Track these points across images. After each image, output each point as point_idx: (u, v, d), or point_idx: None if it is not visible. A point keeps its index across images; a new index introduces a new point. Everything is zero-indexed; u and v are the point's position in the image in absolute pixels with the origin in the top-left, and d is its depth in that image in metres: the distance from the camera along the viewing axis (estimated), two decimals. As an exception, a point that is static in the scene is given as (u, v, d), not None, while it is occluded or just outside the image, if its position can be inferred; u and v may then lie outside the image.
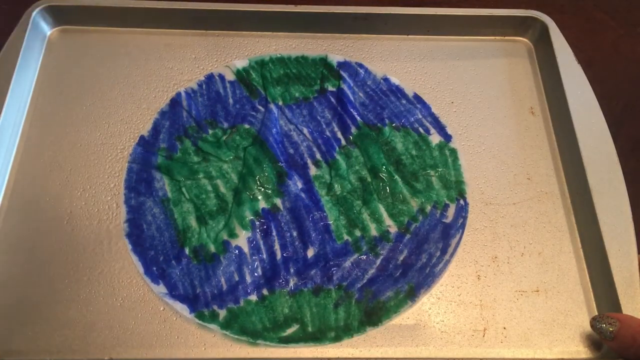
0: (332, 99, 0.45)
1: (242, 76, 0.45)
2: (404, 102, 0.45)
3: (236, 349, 0.34)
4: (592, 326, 0.33)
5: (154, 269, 0.37)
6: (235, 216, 0.39)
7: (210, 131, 0.42)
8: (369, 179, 0.41)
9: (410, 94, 0.45)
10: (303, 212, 0.39)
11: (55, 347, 0.34)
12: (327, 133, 0.43)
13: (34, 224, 0.38)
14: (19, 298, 0.35)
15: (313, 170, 0.41)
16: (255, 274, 0.37)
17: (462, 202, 0.40)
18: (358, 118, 0.44)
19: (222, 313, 0.35)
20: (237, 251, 0.38)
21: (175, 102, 0.44)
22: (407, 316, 0.36)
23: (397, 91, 0.45)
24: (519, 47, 0.49)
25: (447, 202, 0.40)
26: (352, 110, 0.44)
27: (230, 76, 0.45)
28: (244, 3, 0.46)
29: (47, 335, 0.34)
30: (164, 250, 0.37)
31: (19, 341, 0.34)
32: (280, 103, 0.44)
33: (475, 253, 0.38)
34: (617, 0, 0.58)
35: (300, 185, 0.41)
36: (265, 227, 0.39)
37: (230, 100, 0.44)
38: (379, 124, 0.44)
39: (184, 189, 0.40)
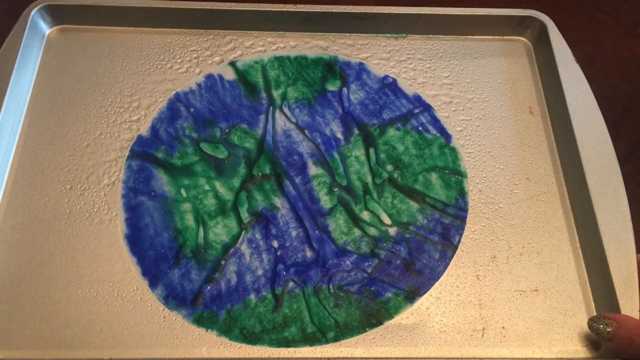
0: (332, 99, 0.45)
1: (241, 76, 0.45)
2: (404, 102, 0.45)
3: (236, 349, 0.34)
4: (589, 327, 0.33)
5: (153, 269, 0.37)
6: (234, 216, 0.39)
7: (209, 131, 0.42)
8: (368, 179, 0.41)
9: (410, 94, 0.45)
10: (302, 212, 0.39)
11: (55, 347, 0.34)
12: (327, 133, 0.43)
13: (34, 224, 0.38)
14: (19, 298, 0.35)
15: (313, 170, 0.41)
16: (255, 275, 0.37)
17: (461, 202, 0.40)
18: (358, 118, 0.44)
19: (221, 314, 0.35)
20: (236, 252, 0.38)
21: (174, 102, 0.44)
22: (406, 316, 0.36)
23: (397, 91, 0.45)
24: (518, 46, 0.49)
25: (447, 202, 0.40)
26: (352, 110, 0.44)
27: (229, 76, 0.45)
28: (244, 3, 0.46)
29: (47, 335, 0.34)
30: (162, 251, 0.37)
31: (19, 341, 0.34)
32: (280, 103, 0.44)
33: (474, 253, 0.38)
34: (617, 0, 0.58)
35: (299, 185, 0.41)
36: (264, 227, 0.39)
37: (230, 101, 0.44)
38: (378, 124, 0.44)
39: (182, 189, 0.40)
